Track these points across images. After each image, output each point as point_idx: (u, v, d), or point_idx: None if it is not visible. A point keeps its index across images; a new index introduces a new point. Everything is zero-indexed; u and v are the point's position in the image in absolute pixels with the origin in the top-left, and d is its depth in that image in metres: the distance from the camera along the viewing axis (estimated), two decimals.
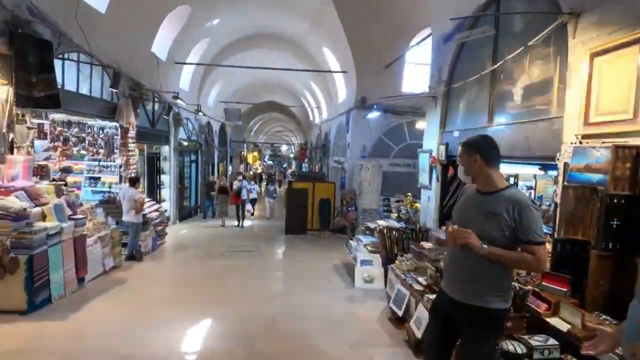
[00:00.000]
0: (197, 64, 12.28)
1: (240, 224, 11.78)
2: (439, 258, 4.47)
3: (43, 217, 4.93)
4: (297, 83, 18.15)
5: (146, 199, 8.85)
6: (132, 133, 8.66)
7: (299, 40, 13.21)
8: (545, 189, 13.59)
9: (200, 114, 12.90)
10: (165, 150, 11.74)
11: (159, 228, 8.76)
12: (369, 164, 10.70)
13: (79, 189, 8.42)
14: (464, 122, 5.53)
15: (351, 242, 7.24)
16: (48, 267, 4.77)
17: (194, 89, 13.50)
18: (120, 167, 8.39)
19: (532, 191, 13.42)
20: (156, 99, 10.44)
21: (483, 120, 5.03)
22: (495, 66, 4.67)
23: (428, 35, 9.30)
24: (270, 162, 43.75)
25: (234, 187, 11.67)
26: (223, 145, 19.64)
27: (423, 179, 6.46)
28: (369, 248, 6.30)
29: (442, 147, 5.88)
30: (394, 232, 5.97)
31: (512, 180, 12.10)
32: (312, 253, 8.54)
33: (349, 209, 9.85)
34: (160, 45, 9.97)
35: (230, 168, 22.71)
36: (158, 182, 11.23)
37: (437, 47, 6.28)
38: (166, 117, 10.70)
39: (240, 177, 12.51)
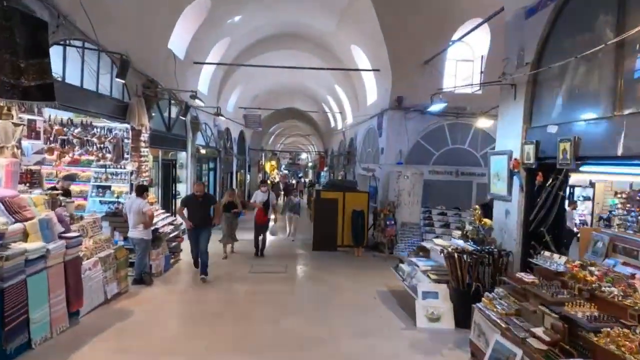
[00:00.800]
0: (218, 64, 11.29)
1: (259, 251, 8.67)
2: (564, 299, 3.10)
3: (25, 236, 3.81)
4: (319, 88, 17.07)
5: (159, 210, 7.76)
6: (144, 136, 7.61)
7: (325, 39, 12.11)
8: (604, 198, 11.75)
9: (221, 117, 11.86)
10: (182, 156, 10.71)
11: (173, 244, 7.61)
12: (407, 171, 9.37)
13: (85, 198, 7.42)
14: (566, 113, 4.17)
15: (402, 265, 5.89)
16: (27, 303, 3.61)
17: (212, 92, 12.53)
18: (132, 174, 7.33)
19: (590, 202, 11.66)
20: (172, 101, 9.45)
21: (604, 107, 3.68)
22: (627, 34, 3.33)
23: (475, 27, 8.06)
24: (287, 172, 42.79)
25: (258, 199, 8.66)
26: (242, 153, 18.65)
27: (498, 187, 5.10)
28: (432, 276, 4.94)
29: (529, 147, 4.53)
30: (465, 256, 4.61)
31: (568, 191, 10.49)
32: (349, 275, 7.20)
33: (388, 222, 8.50)
34: (178, 43, 9.00)
35: (248, 177, 21.70)
36: (174, 192, 10.16)
37: (514, 24, 4.99)
38: (183, 119, 9.65)
39: (264, 188, 8.94)
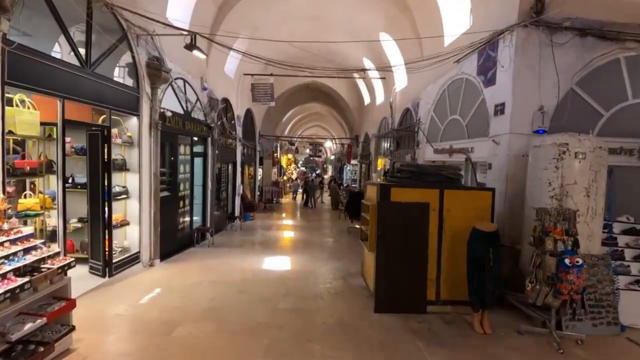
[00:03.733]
0: None
1: None
2: None
3: None
4: (353, 49, 11.96)
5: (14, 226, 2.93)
6: None
7: None
8: None
9: (201, 56, 6.81)
10: (131, 125, 5.85)
11: (46, 307, 2.75)
12: (579, 145, 4.19)
13: None
14: None
15: None
16: None
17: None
18: None
19: None
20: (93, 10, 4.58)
21: None
22: None
23: None
24: (304, 169, 37.93)
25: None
26: (249, 139, 13.79)
27: None
28: None
29: None
30: None
31: None
32: None
33: (568, 262, 3.38)
34: None
35: (260, 173, 16.86)
36: (105, 188, 5.29)
37: None
38: (130, 58, 4.76)
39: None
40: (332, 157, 30.28)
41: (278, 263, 6.52)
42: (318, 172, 35.67)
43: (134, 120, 5.78)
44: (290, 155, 26.03)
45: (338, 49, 12.69)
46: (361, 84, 14.44)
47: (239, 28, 9.25)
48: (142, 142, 5.83)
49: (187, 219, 7.84)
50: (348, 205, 10.82)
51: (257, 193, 15.86)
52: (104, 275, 5.19)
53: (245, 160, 13.12)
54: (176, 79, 6.92)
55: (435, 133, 7.61)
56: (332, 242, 8.74)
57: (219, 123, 9.14)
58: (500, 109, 5.29)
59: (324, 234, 9.94)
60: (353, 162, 19.07)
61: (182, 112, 7.27)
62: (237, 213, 11.45)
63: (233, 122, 11.01)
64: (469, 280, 3.91)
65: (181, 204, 7.48)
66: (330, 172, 35.12)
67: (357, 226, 10.48)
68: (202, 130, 8.24)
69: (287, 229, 10.66)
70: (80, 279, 5.15)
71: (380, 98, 12.58)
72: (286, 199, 19.97)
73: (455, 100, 6.83)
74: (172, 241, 7.03)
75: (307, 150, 25.55)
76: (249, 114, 13.54)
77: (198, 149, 8.46)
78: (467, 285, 3.93)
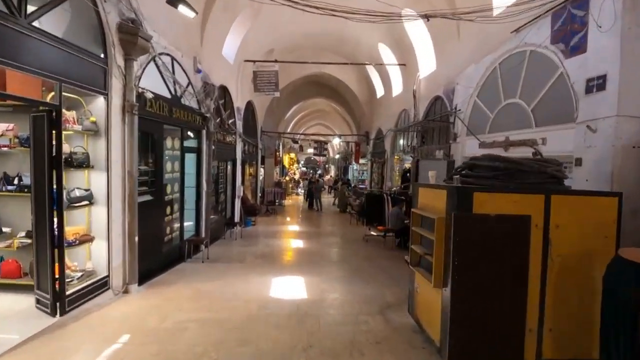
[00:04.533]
0: None
1: None
2: None
3: None
4: (368, 32, 10.54)
5: None
6: None
7: None
8: None
9: (189, 13, 5.30)
10: (97, 108, 4.37)
11: None
12: None
13: None
14: None
15: None
16: None
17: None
18: None
19: None
20: None
21: None
22: None
23: None
24: (304, 169, 36.44)
25: None
26: (251, 135, 12.31)
27: None
28: None
29: None
30: None
31: None
32: None
33: None
34: None
35: (261, 172, 15.39)
36: (52, 192, 3.80)
37: None
38: (95, 16, 3.23)
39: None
40: (337, 156, 28.75)
41: (289, 287, 5.05)
42: (319, 172, 34.22)
43: (100, 101, 4.30)
44: (293, 155, 24.55)
45: (349, 34, 11.26)
46: (373, 75, 13.00)
47: (237, 7, 7.82)
48: (112, 130, 4.36)
49: (176, 228, 6.36)
50: (364, 209, 9.38)
51: (259, 195, 14.39)
52: (53, 313, 3.71)
53: (246, 159, 11.64)
54: (161, 54, 5.45)
55: (481, 123, 6.16)
56: (350, 254, 7.28)
57: (216, 115, 7.66)
58: (598, 84, 3.84)
59: (337, 244, 8.48)
60: (362, 161, 17.61)
61: (169, 96, 5.80)
62: (237, 218, 9.98)
63: (232, 115, 9.54)
64: (604, 339, 2.46)
65: (168, 210, 6.00)
66: (332, 172, 33.67)
67: (374, 233, 9.08)
68: (195, 121, 6.76)
69: (294, 236, 9.20)
70: (23, 317, 3.69)
71: (397, 88, 11.13)
72: (289, 201, 18.50)
73: (513, 80, 5.37)
74: (155, 257, 5.56)
75: (310, 150, 24.02)
76: (250, 107, 12.07)
77: (190, 143, 6.99)
78: (600, 347, 2.48)
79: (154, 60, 5.27)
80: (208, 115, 7.18)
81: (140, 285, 4.95)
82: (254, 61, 10.14)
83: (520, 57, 5.20)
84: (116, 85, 4.40)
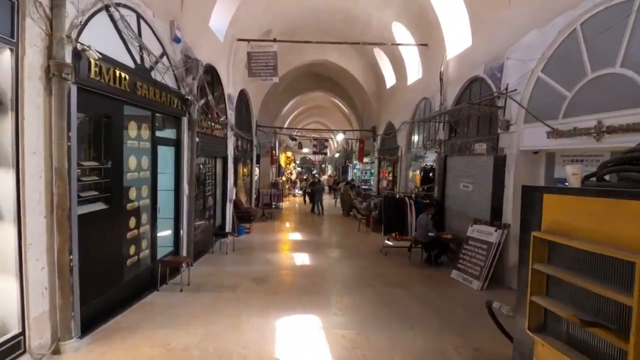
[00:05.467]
0: None
1: None
2: None
3: None
4: (383, 11, 9.00)
5: None
6: None
7: None
8: None
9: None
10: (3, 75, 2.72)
11: None
12: None
13: None
14: None
15: None
16: None
17: None
18: None
19: None
20: None
21: None
22: None
23: None
24: (299, 169, 34.82)
25: None
26: (245, 130, 10.67)
27: None
28: None
29: None
30: None
31: None
32: None
33: None
34: None
35: (256, 172, 13.76)
36: None
37: None
38: None
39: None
40: (337, 155, 27.14)
41: (301, 339, 3.48)
42: (315, 172, 32.66)
43: (3, 56, 2.68)
44: (289, 154, 22.91)
45: (357, 13, 9.72)
46: (383, 62, 11.47)
47: None
48: (26, 103, 2.73)
49: (145, 245, 4.72)
50: (382, 214, 7.84)
51: (254, 196, 12.76)
52: None
53: (239, 156, 10.02)
54: (120, 5, 3.82)
55: (550, 106, 4.64)
56: (372, 276, 5.71)
57: (197, 96, 6.04)
58: None
59: (351, 257, 6.93)
60: (365, 160, 16.09)
61: (132, 65, 4.16)
62: (228, 227, 8.35)
63: (222, 101, 7.92)
64: None
65: (132, 222, 4.35)
66: (329, 172, 32.08)
67: (391, 243, 7.56)
68: (172, 104, 5.12)
69: (296, 248, 7.61)
70: None
71: (414, 75, 9.61)
72: (286, 203, 16.90)
73: (608, 44, 3.87)
74: (111, 291, 3.93)
75: (305, 150, 22.42)
76: (244, 97, 10.45)
77: (166, 133, 5.35)
78: None
79: (108, 11, 3.64)
80: (190, 97, 5.55)
81: (85, 337, 3.33)
82: (249, 40, 8.52)
83: (621, 10, 3.71)
84: (34, 31, 2.77)
